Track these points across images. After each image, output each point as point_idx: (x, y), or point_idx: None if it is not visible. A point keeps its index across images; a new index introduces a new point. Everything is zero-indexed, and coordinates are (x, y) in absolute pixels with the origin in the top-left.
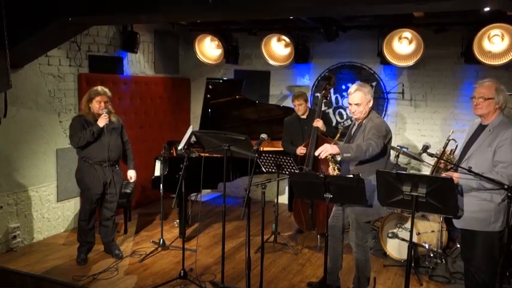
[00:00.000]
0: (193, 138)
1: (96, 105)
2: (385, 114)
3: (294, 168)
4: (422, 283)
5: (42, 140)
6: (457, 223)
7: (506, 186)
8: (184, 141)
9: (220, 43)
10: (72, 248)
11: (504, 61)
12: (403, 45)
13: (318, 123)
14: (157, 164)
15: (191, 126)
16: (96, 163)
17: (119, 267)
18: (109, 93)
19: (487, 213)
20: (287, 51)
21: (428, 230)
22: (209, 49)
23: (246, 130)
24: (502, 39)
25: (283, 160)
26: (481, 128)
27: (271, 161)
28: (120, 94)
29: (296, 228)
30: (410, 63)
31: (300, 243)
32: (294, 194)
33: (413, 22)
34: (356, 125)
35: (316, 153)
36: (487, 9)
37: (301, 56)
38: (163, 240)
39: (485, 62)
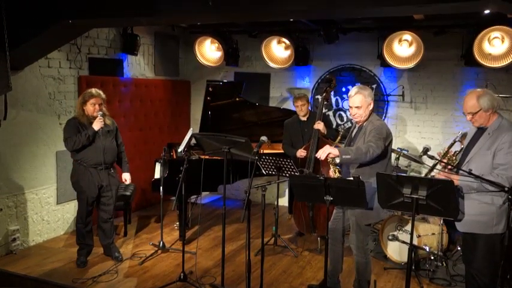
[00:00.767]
0: (194, 141)
1: (90, 107)
2: (385, 117)
3: (294, 170)
4: (422, 286)
5: (42, 142)
6: (459, 226)
7: (506, 189)
8: (185, 143)
9: (220, 45)
10: (71, 250)
11: (504, 63)
12: (403, 48)
13: (319, 125)
14: (157, 167)
15: (191, 129)
16: (91, 166)
17: (119, 269)
18: (103, 95)
19: (488, 216)
20: (287, 53)
21: (429, 233)
22: (209, 51)
23: (246, 132)
24: (502, 41)
25: (283, 162)
26: (480, 131)
27: (271, 164)
28: (120, 96)
29: (296, 230)
30: (411, 65)
31: (300, 246)
32: (294, 196)
33: (413, 24)
34: (356, 127)
35: (317, 155)
36: (487, 11)
37: (301, 58)
38: (163, 243)
39: (485, 64)
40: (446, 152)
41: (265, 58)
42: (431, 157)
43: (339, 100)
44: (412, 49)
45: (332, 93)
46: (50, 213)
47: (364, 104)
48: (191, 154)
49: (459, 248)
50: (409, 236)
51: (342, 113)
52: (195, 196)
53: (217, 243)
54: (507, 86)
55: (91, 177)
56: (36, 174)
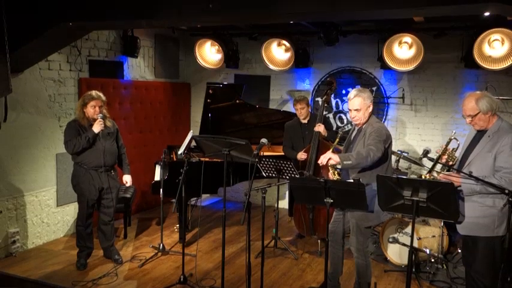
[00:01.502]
0: (194, 143)
1: (90, 110)
2: (385, 119)
3: (294, 173)
4: None
5: (42, 145)
6: (460, 229)
7: (507, 191)
8: (185, 145)
9: (220, 48)
10: (71, 253)
11: (504, 66)
12: (403, 50)
13: (320, 128)
14: (157, 169)
15: (191, 131)
16: (92, 168)
17: (119, 272)
18: (103, 98)
19: (490, 219)
20: (287, 55)
21: (429, 235)
22: (209, 54)
23: (246, 135)
24: (502, 43)
25: (283, 165)
26: (480, 133)
27: (271, 166)
28: (120, 99)
29: (296, 233)
30: (411, 67)
31: (300, 248)
32: (294, 199)
33: (413, 27)
34: (356, 130)
35: (319, 162)
36: (486, 14)
37: (301, 61)
38: (163, 245)
39: (485, 66)
40: (445, 149)
41: (265, 60)
42: (432, 159)
43: (339, 102)
44: (412, 51)
45: (332, 95)
46: (49, 216)
47: (363, 106)
48: (191, 156)
49: (459, 251)
50: (409, 238)
51: (342, 115)
52: (195, 198)
53: (218, 245)
54: (507, 88)
55: (91, 180)
56: (36, 176)
